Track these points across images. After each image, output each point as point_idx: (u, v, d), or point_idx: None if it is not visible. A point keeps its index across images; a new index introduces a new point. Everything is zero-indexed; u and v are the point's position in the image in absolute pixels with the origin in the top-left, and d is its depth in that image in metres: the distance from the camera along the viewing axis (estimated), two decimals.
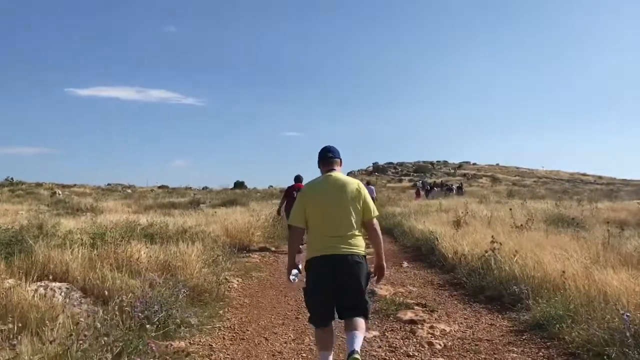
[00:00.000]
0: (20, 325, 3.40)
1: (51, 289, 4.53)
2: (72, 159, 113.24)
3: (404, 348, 4.15)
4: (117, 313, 3.87)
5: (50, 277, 4.86)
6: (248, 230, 10.73)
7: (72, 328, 3.36)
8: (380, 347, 4.19)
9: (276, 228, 11.79)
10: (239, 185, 51.14)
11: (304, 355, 4.03)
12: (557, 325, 4.17)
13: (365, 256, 3.27)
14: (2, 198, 25.55)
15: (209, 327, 4.70)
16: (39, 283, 4.62)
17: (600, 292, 4.48)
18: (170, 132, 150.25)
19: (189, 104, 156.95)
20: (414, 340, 4.35)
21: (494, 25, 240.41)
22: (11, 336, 3.21)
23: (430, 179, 55.05)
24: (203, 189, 46.56)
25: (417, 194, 32.33)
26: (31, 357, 2.97)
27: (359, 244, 3.25)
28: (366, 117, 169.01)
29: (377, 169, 77.74)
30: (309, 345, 4.22)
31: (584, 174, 79.92)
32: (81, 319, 3.57)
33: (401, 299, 5.78)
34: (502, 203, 19.51)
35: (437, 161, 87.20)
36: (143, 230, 8.52)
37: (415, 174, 70.31)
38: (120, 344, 3.33)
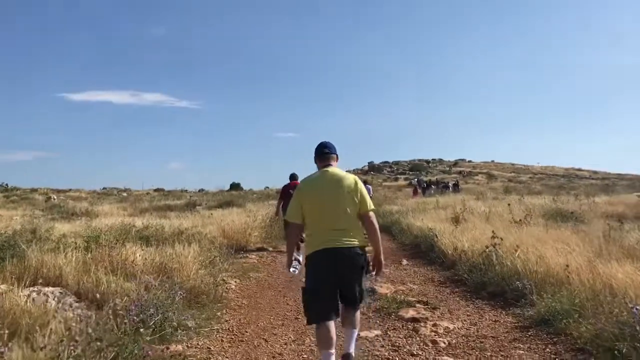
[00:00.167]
0: (11, 332, 3.30)
1: (44, 293, 4.40)
2: (67, 164, 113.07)
3: (408, 347, 4.05)
4: (111, 317, 3.76)
5: (43, 282, 4.75)
6: (245, 231, 10.62)
7: (63, 334, 3.25)
8: (383, 346, 4.09)
9: (273, 228, 11.68)
10: (235, 186, 51.18)
11: (304, 356, 3.93)
12: (564, 321, 4.08)
13: (364, 248, 3.31)
14: None
15: (206, 329, 4.58)
16: (31, 288, 4.50)
17: (606, 286, 4.40)
18: (165, 135, 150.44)
19: (182, 107, 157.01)
20: (417, 338, 4.25)
21: (494, 24, 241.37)
22: (1, 343, 3.09)
23: (425, 177, 55.08)
24: (199, 191, 46.56)
25: (415, 192, 32.27)
26: None
27: (359, 237, 3.29)
28: (362, 116, 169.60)
29: (373, 168, 77.95)
30: (309, 346, 4.12)
31: (579, 169, 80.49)
32: (73, 324, 3.46)
33: (402, 296, 5.68)
34: (499, 199, 19.46)
35: (433, 159, 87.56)
36: (138, 232, 8.41)
37: (410, 173, 70.54)
38: (115, 348, 3.24)
